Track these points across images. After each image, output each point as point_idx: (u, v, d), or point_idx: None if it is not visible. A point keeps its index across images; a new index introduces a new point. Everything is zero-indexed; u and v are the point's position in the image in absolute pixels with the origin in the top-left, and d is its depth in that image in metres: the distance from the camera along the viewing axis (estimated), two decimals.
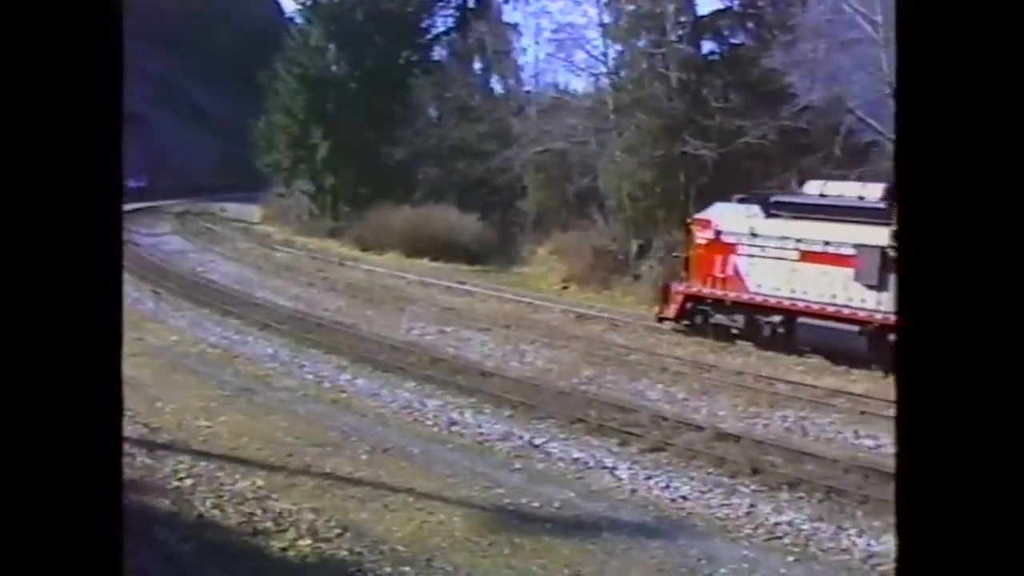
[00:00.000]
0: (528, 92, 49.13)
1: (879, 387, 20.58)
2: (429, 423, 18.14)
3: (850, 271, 23.01)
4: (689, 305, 26.32)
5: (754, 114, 33.00)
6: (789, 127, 32.71)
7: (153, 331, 24.34)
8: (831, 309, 23.22)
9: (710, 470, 15.74)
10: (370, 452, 16.11)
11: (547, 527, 13.28)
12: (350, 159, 52.44)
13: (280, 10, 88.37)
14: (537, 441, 17.07)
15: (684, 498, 14.65)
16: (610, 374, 22.03)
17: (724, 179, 32.05)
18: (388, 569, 11.82)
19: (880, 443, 17.01)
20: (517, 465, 15.94)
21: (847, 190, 24.42)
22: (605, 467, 15.88)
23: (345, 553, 12.23)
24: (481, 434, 17.49)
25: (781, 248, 24.57)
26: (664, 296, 27.10)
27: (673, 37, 36.43)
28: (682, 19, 36.57)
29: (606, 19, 39.91)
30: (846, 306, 23.00)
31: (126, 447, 13.11)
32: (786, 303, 24.22)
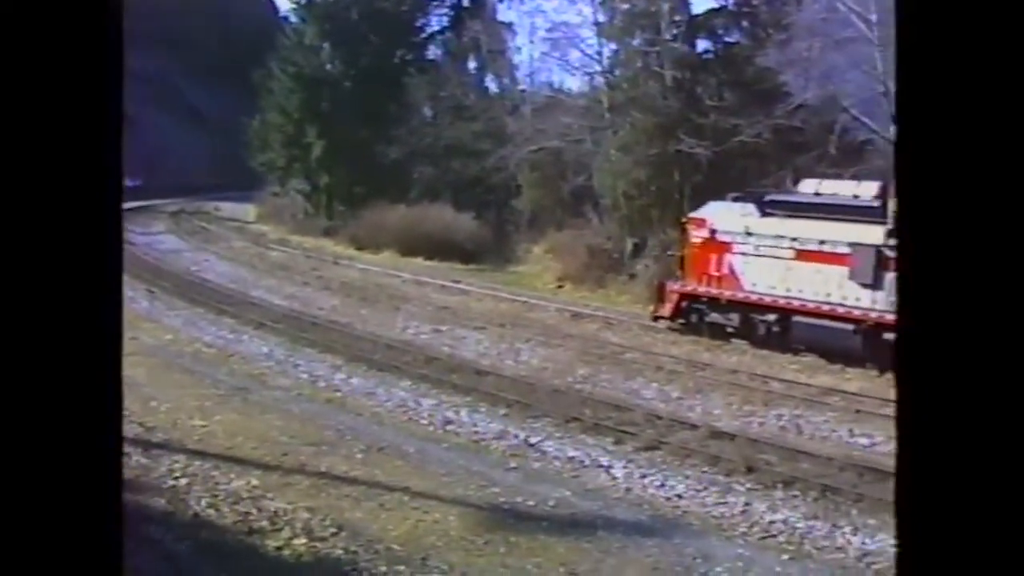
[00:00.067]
0: (523, 91, 49.19)
1: (874, 385, 20.63)
2: (424, 422, 18.13)
3: (845, 269, 23.04)
4: (684, 304, 26.33)
5: (749, 113, 33.01)
6: (784, 126, 32.73)
7: (148, 330, 24.31)
8: (826, 307, 23.24)
9: (705, 468, 15.75)
10: (365, 451, 16.10)
11: (542, 526, 13.28)
12: (345, 158, 52.40)
13: (275, 9, 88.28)
14: (532, 440, 17.07)
15: (679, 496, 14.66)
16: (605, 373, 22.04)
17: (719, 178, 32.05)
18: (383, 568, 11.81)
19: (875, 441, 17.05)
20: (512, 464, 15.94)
21: (842, 189, 24.44)
22: (600, 466, 15.88)
23: (340, 552, 12.22)
24: (476, 433, 17.48)
25: (776, 247, 24.59)
26: (659, 295, 27.11)
27: (668, 36, 36.43)
28: (677, 18, 36.58)
29: (601, 18, 39.96)
30: (841, 304, 23.03)
31: None
32: (781, 301, 24.23)
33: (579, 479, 15.36)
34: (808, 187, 25.30)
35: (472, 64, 54.61)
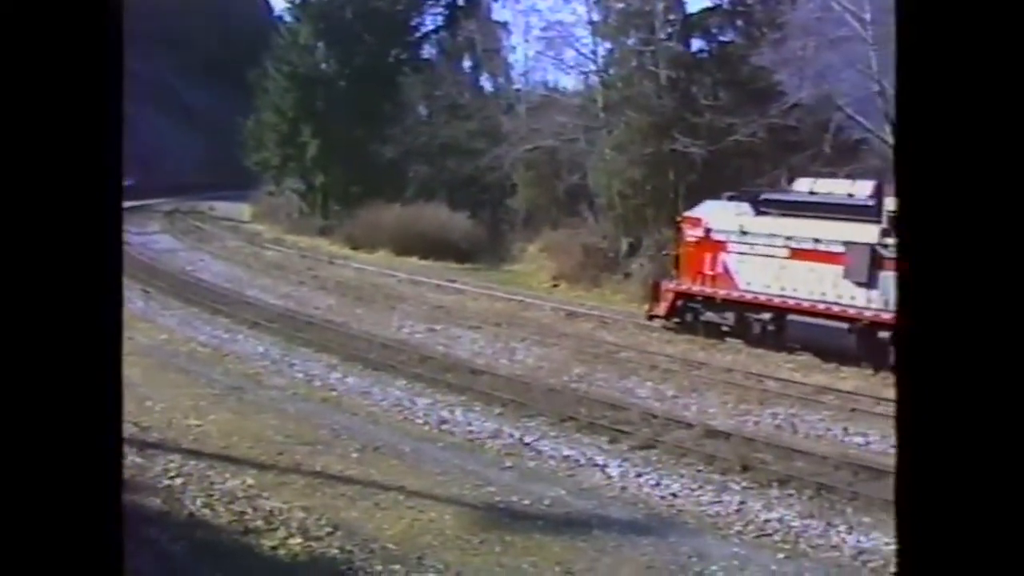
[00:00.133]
0: (518, 90, 49.20)
1: (868, 384, 20.67)
2: (419, 421, 18.14)
3: (839, 268, 23.05)
4: (679, 303, 26.34)
5: (743, 112, 33.02)
6: (778, 125, 32.73)
7: (143, 330, 24.27)
8: (821, 306, 23.26)
9: (700, 467, 15.76)
10: (360, 450, 16.10)
11: (538, 525, 13.29)
12: (340, 157, 52.37)
13: (269, 8, 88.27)
14: (527, 439, 17.07)
15: (674, 495, 14.67)
16: (600, 372, 22.05)
17: (714, 177, 32.08)
18: (379, 567, 11.82)
19: (869, 440, 17.07)
20: (507, 463, 15.94)
21: (836, 187, 24.45)
22: (595, 465, 15.89)
23: (336, 551, 12.22)
24: (471, 432, 17.49)
25: (771, 245, 24.61)
26: (654, 294, 27.12)
27: (662, 35, 36.45)
28: (671, 17, 36.60)
29: (595, 17, 40.00)
30: (835, 303, 23.05)
31: None
32: (776, 300, 24.25)
33: (574, 478, 15.37)
34: (803, 186, 25.32)
35: (467, 63, 54.65)
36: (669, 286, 26.72)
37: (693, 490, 14.83)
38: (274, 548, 12.24)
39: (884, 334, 21.58)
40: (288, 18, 57.75)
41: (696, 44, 38.11)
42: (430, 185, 48.69)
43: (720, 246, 25.77)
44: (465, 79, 53.05)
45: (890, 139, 28.11)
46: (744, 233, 25.19)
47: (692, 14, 37.45)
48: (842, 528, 13.43)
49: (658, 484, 15.07)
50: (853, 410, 18.79)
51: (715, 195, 27.20)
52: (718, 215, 26.02)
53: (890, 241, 21.59)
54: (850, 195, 23.58)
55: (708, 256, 25.98)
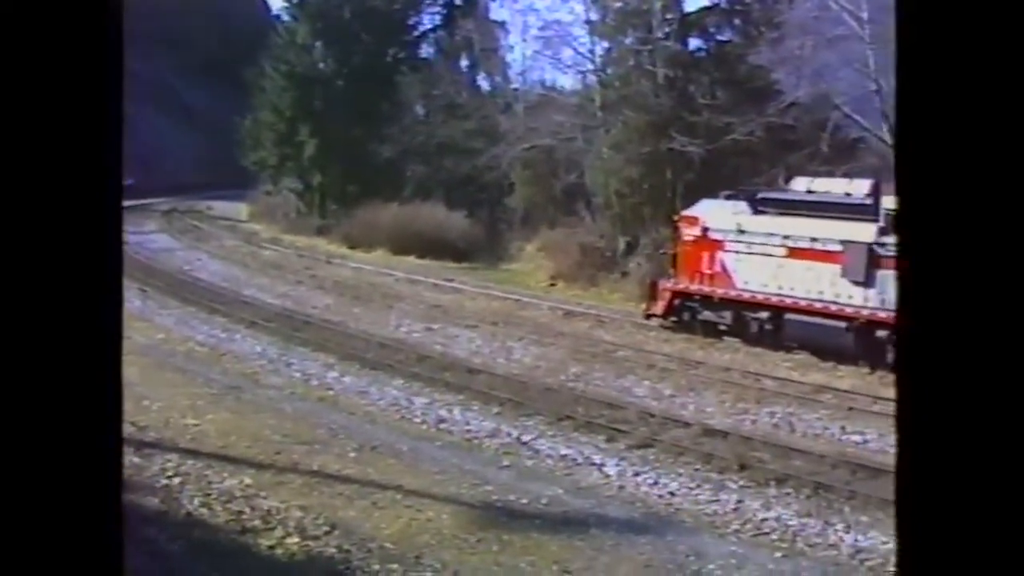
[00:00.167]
0: (515, 89, 49.16)
1: (866, 383, 20.69)
2: (417, 420, 18.14)
3: (837, 267, 23.07)
4: (677, 302, 26.35)
5: (741, 111, 33.01)
6: (776, 124, 32.72)
7: (140, 329, 24.24)
8: (818, 305, 23.27)
9: (698, 466, 15.77)
10: (358, 450, 16.10)
11: (535, 524, 13.29)
12: (337, 157, 52.36)
13: (267, 8, 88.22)
14: (525, 438, 17.08)
15: (672, 494, 14.68)
16: (598, 371, 22.05)
17: (711, 176, 32.09)
18: (376, 567, 11.82)
19: (867, 439, 17.08)
20: (505, 462, 15.95)
21: (834, 186, 24.46)
22: (593, 463, 15.90)
23: (333, 551, 12.22)
24: (469, 431, 17.49)
25: (768, 244, 24.61)
26: (651, 293, 27.12)
27: (660, 34, 36.45)
28: (669, 16, 36.57)
29: (593, 16, 39.96)
30: (833, 302, 23.05)
31: None
32: (773, 299, 24.26)
33: (572, 477, 15.38)
34: (800, 185, 25.32)
35: (464, 62, 54.61)
36: (666, 285, 26.72)
37: (691, 489, 14.84)
38: (272, 547, 12.24)
39: (881, 333, 21.61)
40: (286, 17, 57.77)
41: (694, 43, 38.13)
42: (427, 184, 48.68)
43: (717, 245, 25.78)
44: (463, 78, 53.04)
45: (887, 138, 28.16)
46: (741, 232, 25.20)
47: (690, 13, 37.43)
48: (840, 527, 13.44)
49: (656, 483, 15.08)
50: (851, 409, 18.80)
51: (712, 194, 27.21)
52: (715, 214, 26.03)
53: (887, 240, 21.61)
54: (847, 194, 23.59)
55: (705, 255, 25.98)
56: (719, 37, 38.00)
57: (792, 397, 19.77)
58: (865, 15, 28.86)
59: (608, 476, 15.40)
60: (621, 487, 14.97)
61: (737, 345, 24.67)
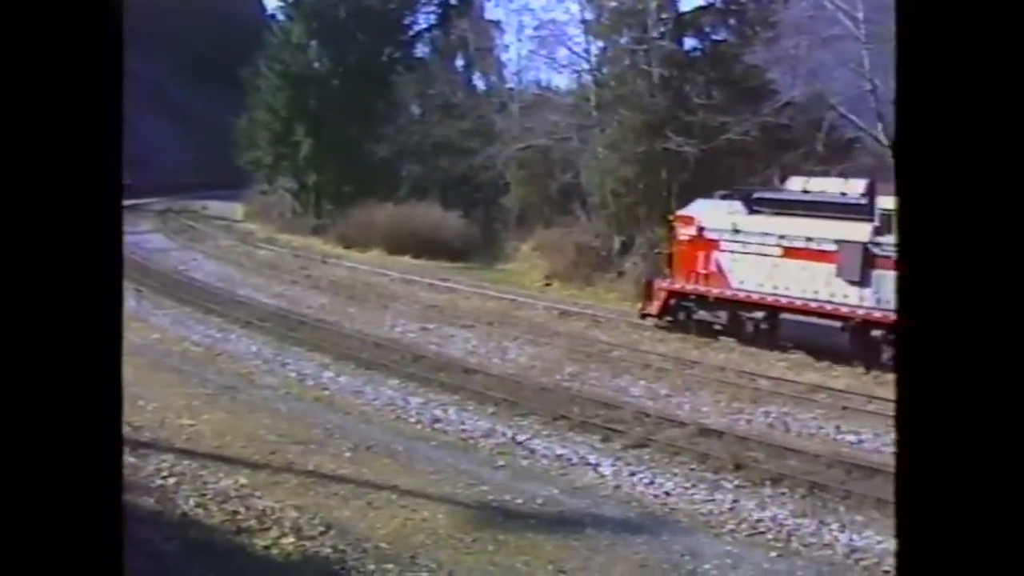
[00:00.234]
0: (511, 89, 49.17)
1: (861, 382, 20.72)
2: (412, 420, 18.14)
3: (832, 267, 23.09)
4: (672, 301, 26.36)
5: (736, 110, 33.02)
6: (771, 123, 32.74)
7: (135, 329, 24.21)
8: (813, 305, 23.28)
9: (693, 466, 15.78)
10: (353, 450, 16.09)
11: (531, 523, 13.30)
12: (333, 156, 52.33)
13: (262, 7, 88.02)
14: (520, 438, 17.08)
15: (667, 494, 14.69)
16: (593, 370, 22.06)
17: (706, 175, 32.10)
18: (372, 566, 11.82)
19: (862, 438, 17.11)
20: (500, 462, 15.96)
21: (829, 186, 24.48)
22: (588, 463, 15.91)
23: (328, 551, 12.22)
24: (464, 431, 17.50)
25: (763, 244, 24.63)
26: (647, 292, 27.12)
27: (655, 33, 36.44)
28: (664, 15, 36.57)
29: (588, 16, 39.97)
30: (828, 302, 23.07)
31: None
32: (768, 299, 24.28)
33: (567, 477, 15.38)
34: (795, 184, 25.34)
35: (460, 62, 54.62)
36: (662, 285, 26.73)
37: (686, 488, 14.85)
38: (267, 547, 12.24)
39: (876, 332, 21.65)
40: (281, 17, 57.73)
41: (689, 43, 38.13)
42: (423, 184, 48.67)
43: (713, 245, 25.79)
44: (458, 78, 53.04)
45: (883, 137, 28.23)
46: (737, 232, 25.22)
47: (685, 13, 37.42)
48: (834, 526, 13.46)
49: (651, 483, 15.09)
50: (845, 408, 18.82)
51: (708, 194, 27.23)
52: (711, 214, 26.04)
53: (882, 239, 21.64)
54: (843, 194, 23.61)
55: (701, 255, 26.00)
56: (714, 37, 38.01)
57: (787, 397, 19.79)
58: (860, 15, 28.91)
59: (604, 476, 15.41)
60: (617, 487, 14.98)
61: (732, 345, 24.68)
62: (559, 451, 16.42)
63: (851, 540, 13.04)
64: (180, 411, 17.71)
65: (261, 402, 18.84)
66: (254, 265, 39.29)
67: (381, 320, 27.71)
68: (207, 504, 13.39)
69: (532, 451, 16.49)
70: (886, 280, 21.65)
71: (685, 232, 26.49)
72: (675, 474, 15.44)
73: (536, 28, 44.57)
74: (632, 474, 15.43)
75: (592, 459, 16.06)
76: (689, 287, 26.06)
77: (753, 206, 25.48)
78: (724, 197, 26.49)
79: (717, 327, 25.40)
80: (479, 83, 54.39)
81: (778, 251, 24.36)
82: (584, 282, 34.43)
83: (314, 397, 19.52)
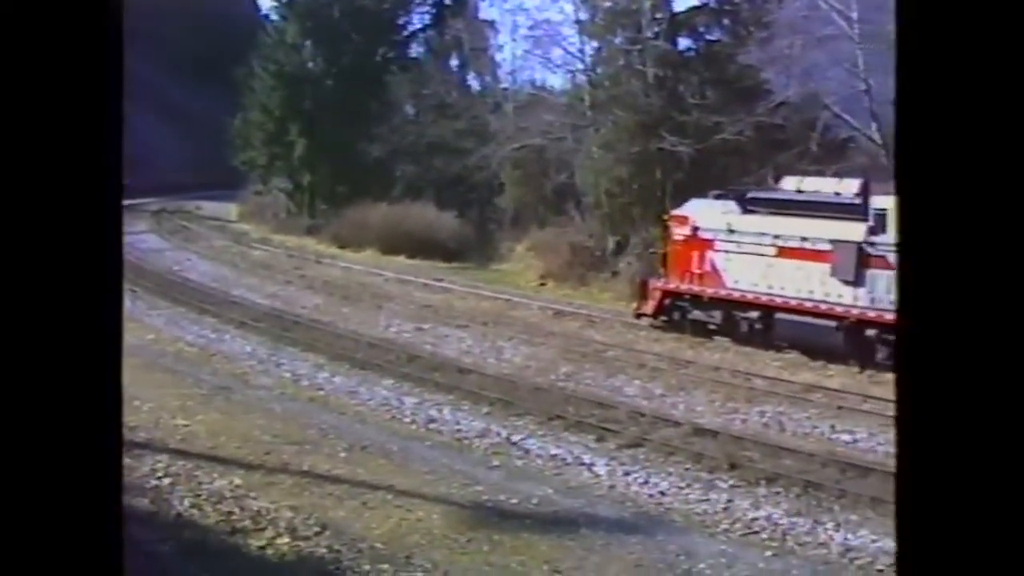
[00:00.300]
0: (505, 89, 49.18)
1: (855, 382, 20.73)
2: (407, 420, 18.12)
3: (827, 267, 23.10)
4: (667, 301, 26.36)
5: (730, 110, 33.03)
6: (765, 123, 32.74)
7: (130, 330, 24.05)
8: (808, 304, 23.29)
9: (688, 465, 15.77)
10: (348, 450, 16.08)
11: (526, 523, 13.29)
12: (327, 156, 52.33)
13: (256, 7, 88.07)
14: (515, 438, 17.07)
15: (662, 493, 14.68)
16: (588, 370, 22.05)
17: (701, 175, 32.11)
18: (367, 567, 11.80)
19: (857, 437, 17.12)
20: (495, 462, 15.94)
21: (823, 186, 24.48)
22: (583, 463, 15.89)
23: (324, 551, 12.20)
24: (459, 431, 17.48)
25: (758, 244, 24.64)
26: (642, 292, 27.13)
27: (649, 33, 36.46)
28: (658, 16, 36.60)
29: (582, 16, 40.00)
30: (823, 301, 23.09)
31: None
32: (763, 299, 24.29)
33: (562, 477, 15.38)
34: (790, 184, 25.35)
35: (454, 62, 54.61)
36: (656, 284, 26.74)
37: (681, 488, 14.84)
38: (262, 548, 12.22)
39: (871, 332, 21.68)
40: (275, 17, 57.68)
41: (683, 43, 38.14)
42: (417, 184, 48.66)
43: (707, 244, 25.80)
44: (452, 78, 53.01)
45: (877, 137, 28.27)
46: (731, 231, 25.22)
47: (679, 13, 37.46)
48: (829, 526, 13.45)
49: (646, 482, 15.08)
50: (840, 408, 18.83)
51: (702, 193, 27.23)
52: (705, 213, 26.05)
53: (876, 239, 21.68)
54: (837, 193, 23.61)
55: (695, 254, 26.00)
56: (708, 37, 38.04)
57: (782, 396, 19.79)
58: (855, 15, 28.95)
59: (598, 475, 15.40)
60: (611, 486, 14.98)
61: (727, 344, 24.69)
62: (554, 451, 16.41)
63: (846, 539, 13.04)
64: (175, 411, 17.68)
65: (256, 402, 18.81)
66: (248, 265, 39.25)
67: (376, 320, 27.70)
68: (202, 505, 13.37)
69: (527, 451, 16.48)
70: (880, 280, 21.69)
71: (679, 232, 26.50)
72: (670, 474, 15.43)
73: (530, 28, 44.61)
74: (627, 474, 15.42)
75: (587, 459, 16.05)
76: (684, 287, 26.07)
77: (747, 206, 25.50)
78: (718, 197, 26.50)
79: (712, 327, 25.41)
80: (473, 83, 54.47)
81: (772, 251, 24.37)
82: (579, 282, 34.44)
83: (309, 397, 19.50)
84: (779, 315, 23.93)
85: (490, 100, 48.49)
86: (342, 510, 13.43)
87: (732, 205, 25.71)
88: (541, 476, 15.36)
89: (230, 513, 13.10)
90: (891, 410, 16.01)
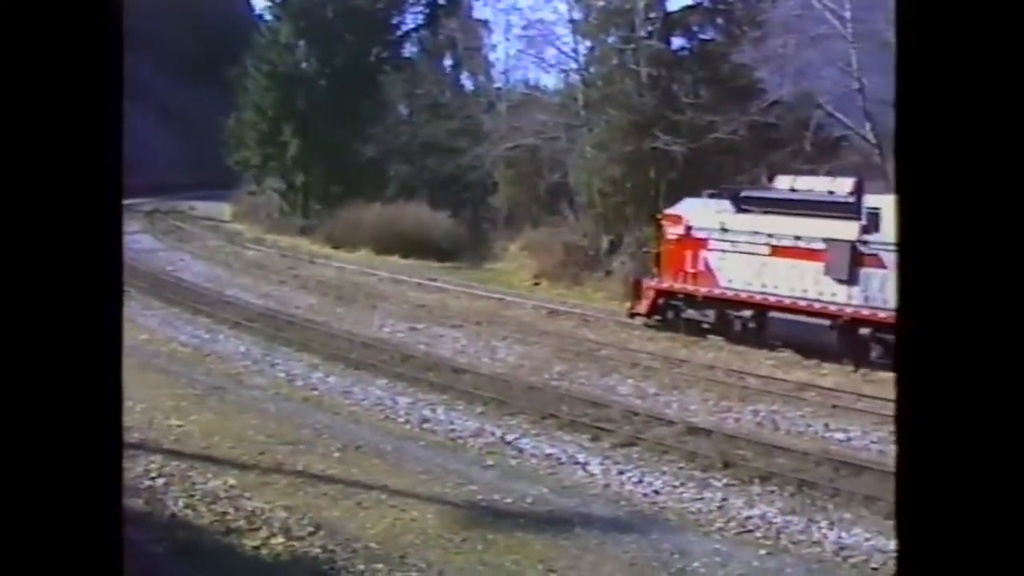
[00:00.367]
0: (499, 88, 49.16)
1: (849, 380, 20.78)
2: (401, 420, 18.13)
3: (820, 265, 23.15)
4: (660, 300, 26.39)
5: (724, 109, 33.05)
6: (759, 122, 32.77)
7: (123, 330, 24.10)
8: (802, 303, 23.33)
9: (682, 464, 15.79)
10: (342, 450, 16.07)
11: (520, 523, 13.29)
12: (321, 156, 52.29)
13: (249, 7, 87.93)
14: (509, 437, 17.08)
15: (656, 492, 14.70)
16: (582, 370, 22.06)
17: (694, 174, 32.14)
18: (361, 567, 11.80)
19: (850, 436, 17.15)
20: (489, 461, 15.95)
21: (817, 185, 24.54)
22: (577, 462, 15.91)
23: (318, 551, 12.20)
24: (453, 431, 17.49)
25: (751, 243, 24.67)
26: (635, 291, 27.16)
27: (643, 33, 36.48)
28: (652, 15, 36.62)
29: (576, 15, 40.02)
30: (816, 300, 23.12)
31: None
32: (757, 298, 24.32)
33: (556, 476, 15.39)
34: (783, 183, 25.39)
35: (448, 62, 54.58)
36: (650, 284, 26.76)
37: (675, 487, 14.86)
38: (256, 548, 12.21)
39: (865, 330, 21.72)
40: (268, 17, 57.71)
41: (677, 42, 38.20)
42: (411, 184, 48.65)
43: (701, 243, 25.83)
44: (446, 78, 53.03)
45: (870, 136, 28.29)
46: (725, 230, 25.26)
47: (673, 12, 37.48)
48: (823, 524, 13.48)
49: (640, 481, 15.10)
50: (834, 406, 18.85)
51: (696, 193, 27.27)
52: (699, 213, 26.08)
53: (870, 238, 21.71)
54: (830, 192, 23.66)
55: (689, 254, 26.04)
56: (702, 36, 38.08)
57: (776, 395, 19.81)
58: (848, 14, 28.97)
59: (592, 475, 15.42)
60: (605, 485, 14.99)
61: (721, 343, 24.72)
62: (548, 450, 16.42)
63: (840, 537, 13.06)
64: (169, 412, 17.66)
65: (250, 402, 18.80)
66: (242, 265, 39.21)
67: (369, 320, 27.69)
68: (196, 505, 13.36)
69: (521, 450, 16.49)
70: (874, 278, 21.74)
71: (673, 231, 26.53)
72: (664, 472, 15.45)
73: (524, 27, 44.64)
74: (621, 473, 15.44)
75: (581, 458, 16.06)
76: (677, 286, 26.10)
77: (741, 205, 25.53)
78: (712, 196, 26.54)
79: (705, 326, 25.43)
80: (467, 83, 54.48)
81: (766, 250, 24.40)
82: (572, 281, 34.45)
83: (303, 397, 19.49)
84: (773, 314, 23.96)
85: (484, 100, 48.48)
86: (336, 510, 13.43)
87: (726, 204, 25.74)
88: (535, 475, 15.37)
89: (224, 513, 13.09)
90: (885, 408, 16.10)
